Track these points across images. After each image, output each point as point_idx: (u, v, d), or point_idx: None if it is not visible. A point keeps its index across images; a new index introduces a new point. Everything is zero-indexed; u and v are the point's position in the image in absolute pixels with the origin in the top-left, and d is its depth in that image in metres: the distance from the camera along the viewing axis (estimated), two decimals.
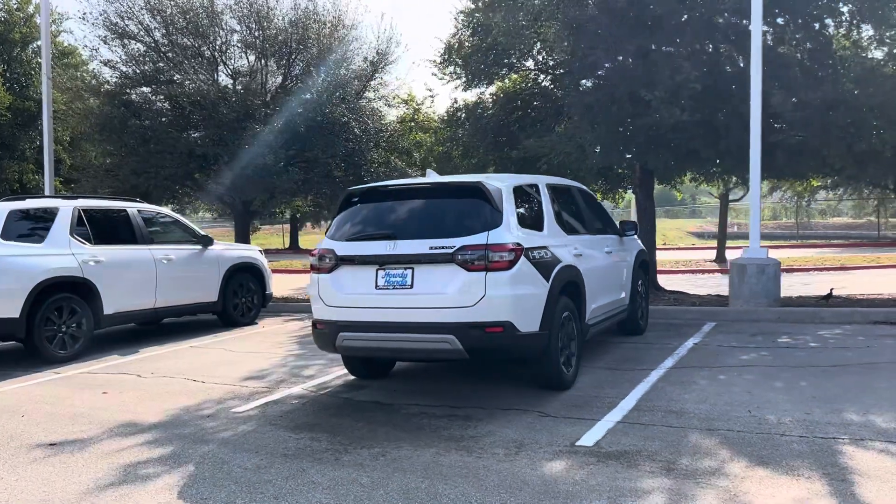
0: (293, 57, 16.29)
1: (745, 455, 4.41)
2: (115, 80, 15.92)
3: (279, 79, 16.77)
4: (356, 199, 6.24)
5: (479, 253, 5.43)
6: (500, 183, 5.94)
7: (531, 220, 6.09)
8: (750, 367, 6.78)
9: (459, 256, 5.45)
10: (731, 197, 26.04)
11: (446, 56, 15.42)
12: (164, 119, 15.21)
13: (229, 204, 17.54)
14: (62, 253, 8.59)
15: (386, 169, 16.81)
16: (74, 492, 4.26)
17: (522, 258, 5.56)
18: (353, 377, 7.03)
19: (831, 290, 11.06)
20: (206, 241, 10.62)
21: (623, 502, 3.78)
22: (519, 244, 5.57)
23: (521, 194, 6.14)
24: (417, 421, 5.46)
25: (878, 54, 11.22)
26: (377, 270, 5.75)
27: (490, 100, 15.77)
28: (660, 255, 22.03)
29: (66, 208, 8.89)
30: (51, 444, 5.22)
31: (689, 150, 11.33)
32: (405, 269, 5.64)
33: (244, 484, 4.27)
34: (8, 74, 21.49)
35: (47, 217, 8.69)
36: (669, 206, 59.72)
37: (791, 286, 13.18)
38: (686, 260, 23.70)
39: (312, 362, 7.94)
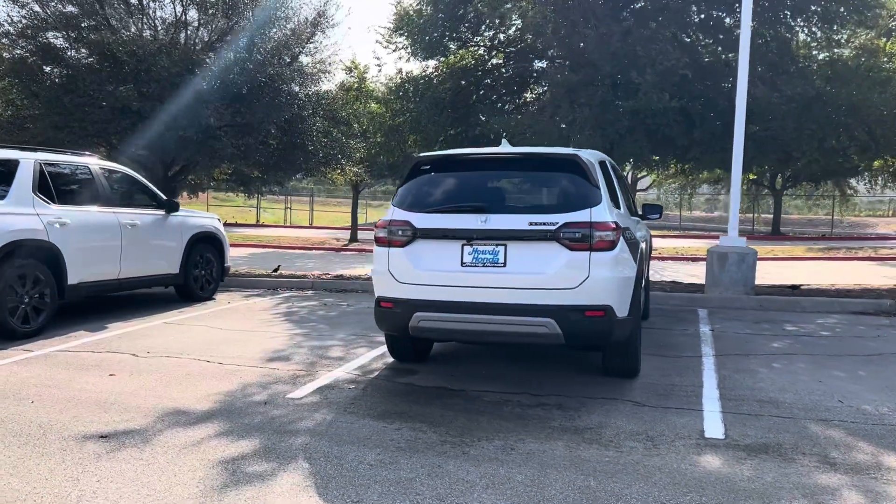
0: (230, 10, 15.08)
1: (890, 448, 4.35)
2: (23, 19, 14.15)
3: (213, 35, 15.51)
4: (428, 168, 5.71)
5: (583, 231, 5.08)
6: (591, 155, 5.61)
7: (612, 198, 5.81)
8: (790, 356, 6.84)
9: (562, 234, 5.09)
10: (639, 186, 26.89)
11: (400, 23, 14.81)
12: (87, 69, 13.66)
13: (149, 168, 16.10)
14: (26, 212, 7.46)
15: (328, 139, 16.01)
16: (186, 495, 3.59)
17: (621, 238, 5.28)
18: (391, 360, 6.52)
19: (800, 284, 11.46)
20: (171, 207, 9.61)
21: (825, 501, 3.60)
22: (617, 223, 5.27)
23: (603, 169, 5.83)
24: (509, 410, 5.07)
25: (846, 52, 11.71)
26: (463, 246, 5.28)
27: (438, 74, 15.32)
28: None
29: (28, 161, 7.72)
30: (101, 437, 4.44)
31: (664, 137, 11.42)
32: (497, 245, 5.21)
33: (387, 483, 3.75)
34: None
35: (7, 170, 7.50)
36: None
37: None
38: None
39: (326, 343, 7.32)
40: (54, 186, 7.90)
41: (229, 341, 7.38)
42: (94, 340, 7.35)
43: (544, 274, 5.10)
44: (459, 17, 13.30)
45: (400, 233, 5.44)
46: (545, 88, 15.69)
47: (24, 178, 7.56)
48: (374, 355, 6.76)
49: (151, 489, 3.66)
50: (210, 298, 10.41)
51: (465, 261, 5.27)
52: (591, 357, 6.53)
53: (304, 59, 16.55)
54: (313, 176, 19.72)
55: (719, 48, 12.03)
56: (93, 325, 8.16)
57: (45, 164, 7.91)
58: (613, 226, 5.18)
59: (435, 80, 14.88)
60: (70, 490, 3.64)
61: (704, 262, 10.85)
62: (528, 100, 16.13)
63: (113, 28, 13.69)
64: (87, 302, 9.61)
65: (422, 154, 5.84)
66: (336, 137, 16.21)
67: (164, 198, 9.67)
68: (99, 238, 8.34)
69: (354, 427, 4.67)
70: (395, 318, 5.48)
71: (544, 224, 5.11)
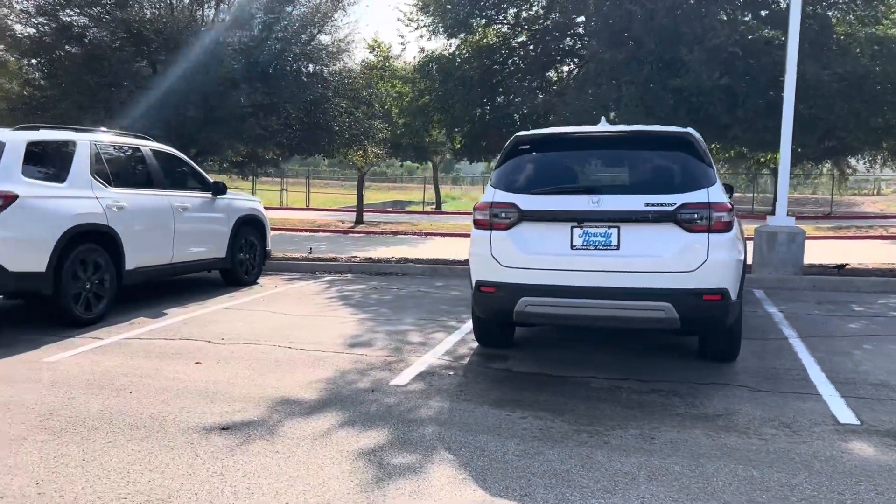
0: None
1: None
2: None
3: (234, 12, 15.13)
4: (528, 147, 5.54)
5: (702, 212, 4.94)
6: (696, 132, 5.45)
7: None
8: (875, 337, 6.75)
9: (680, 215, 4.94)
10: None
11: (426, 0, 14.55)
12: (110, 48, 13.29)
13: None
14: (86, 196, 7.22)
15: (350, 119, 15.73)
16: (345, 490, 3.45)
17: (735, 220, 5.14)
18: (475, 345, 6.38)
19: (844, 264, 11.36)
20: (218, 189, 9.37)
21: None
22: (733, 204, 5.13)
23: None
24: (626, 396, 4.95)
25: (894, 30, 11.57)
26: (573, 228, 5.12)
27: (463, 53, 15.07)
28: None
29: (84, 142, 7.47)
30: (223, 429, 4.28)
31: (706, 115, 11.26)
32: (609, 227, 5.06)
33: (545, 475, 3.62)
34: None
35: (66, 152, 7.25)
36: None
37: None
38: None
39: (399, 328, 7.17)
40: (109, 169, 7.66)
41: (299, 326, 7.21)
42: (160, 327, 7.16)
43: (661, 257, 4.95)
44: None
45: (503, 215, 5.28)
46: (574, 66, 15.53)
47: (82, 160, 7.32)
48: (454, 340, 6.61)
49: (305, 484, 3.51)
50: (254, 283, 10.21)
51: (574, 244, 5.12)
52: (675, 340, 6.43)
53: (324, 38, 16.22)
54: (333, 157, 19.41)
55: (762, 25, 11.85)
56: (150, 311, 7.96)
57: (99, 145, 7.67)
58: (730, 206, 5.04)
59: (459, 60, 14.66)
60: (221, 486, 3.48)
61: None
62: (554, 79, 15.94)
63: (135, 5, 13.30)
64: (134, 288, 9.39)
65: (521, 133, 5.65)
66: (358, 118, 15.94)
67: (211, 180, 9.43)
68: (153, 222, 8.12)
69: (476, 415, 4.54)
70: (498, 302, 5.32)
71: (661, 205, 4.96)
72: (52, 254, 6.68)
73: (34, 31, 13.78)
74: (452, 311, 8.06)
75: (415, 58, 15.79)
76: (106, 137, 7.96)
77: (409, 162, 34.23)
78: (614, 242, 5.04)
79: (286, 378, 5.36)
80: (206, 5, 14.62)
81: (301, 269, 11.91)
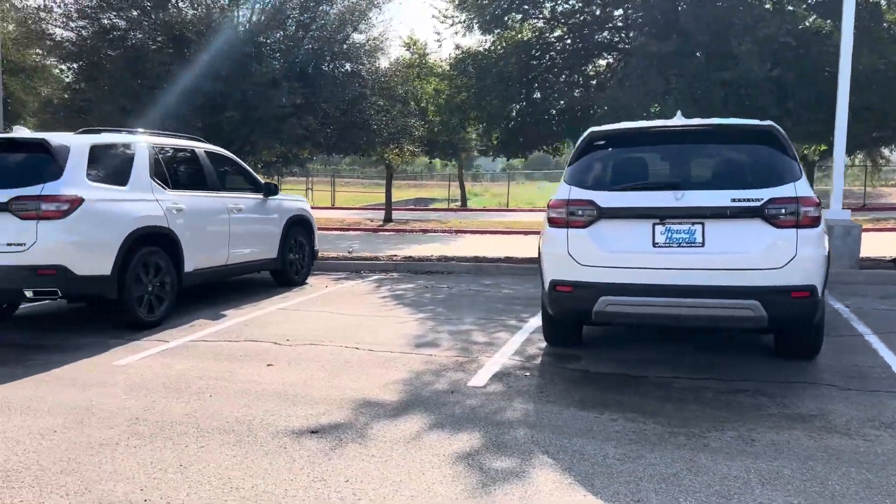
0: None
1: None
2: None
3: (271, 12, 15.13)
4: (603, 143, 5.44)
5: (790, 207, 4.82)
6: (779, 127, 5.32)
7: None
8: None
9: (768, 211, 4.82)
10: None
11: None
12: (152, 50, 13.35)
13: None
14: (146, 198, 7.23)
15: (386, 117, 15.68)
16: (453, 496, 3.38)
17: (821, 214, 5.01)
18: (543, 345, 6.30)
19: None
20: (270, 190, 9.35)
21: None
22: (818, 198, 5.00)
23: None
24: (712, 397, 4.84)
25: None
26: (654, 225, 5.02)
27: (500, 49, 14.95)
28: None
29: (143, 145, 7.48)
30: (312, 432, 4.24)
31: (754, 108, 11.07)
32: (693, 224, 4.95)
33: (654, 480, 3.53)
34: None
35: (127, 155, 7.27)
36: (549, 170, 60.65)
37: None
38: None
39: (461, 327, 7.11)
40: (167, 171, 7.67)
41: (360, 327, 7.17)
42: (221, 329, 7.15)
43: (748, 253, 4.84)
44: None
45: (581, 212, 5.18)
46: (612, 61, 15.34)
47: (142, 162, 7.33)
48: (520, 340, 6.54)
49: (411, 489, 3.45)
50: (304, 283, 10.20)
51: (656, 241, 5.01)
52: (748, 337, 6.31)
53: (359, 37, 16.17)
54: (369, 156, 19.39)
55: (810, 13, 11.63)
56: (207, 312, 7.96)
57: (157, 147, 7.67)
58: (817, 201, 4.91)
59: (495, 56, 14.55)
60: (326, 492, 3.43)
61: None
62: (591, 73, 15.77)
63: (172, 8, 13.35)
64: (188, 290, 9.41)
65: (595, 128, 5.55)
66: (395, 116, 15.89)
67: (262, 181, 9.42)
68: (210, 223, 8.12)
69: (565, 417, 4.46)
70: (575, 302, 5.23)
71: (748, 200, 4.84)
72: (116, 257, 6.69)
73: (74, 34, 13.89)
74: (509, 310, 7.98)
75: (450, 55, 15.70)
76: (162, 139, 7.98)
77: (437, 160, 34.05)
78: (699, 239, 4.93)
79: (361, 379, 5.32)
80: (244, 5, 14.64)
81: (346, 269, 11.89)
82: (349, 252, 13.40)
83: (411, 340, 6.56)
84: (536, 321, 7.24)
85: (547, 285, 5.41)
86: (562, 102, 14.25)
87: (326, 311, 8.07)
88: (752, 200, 4.83)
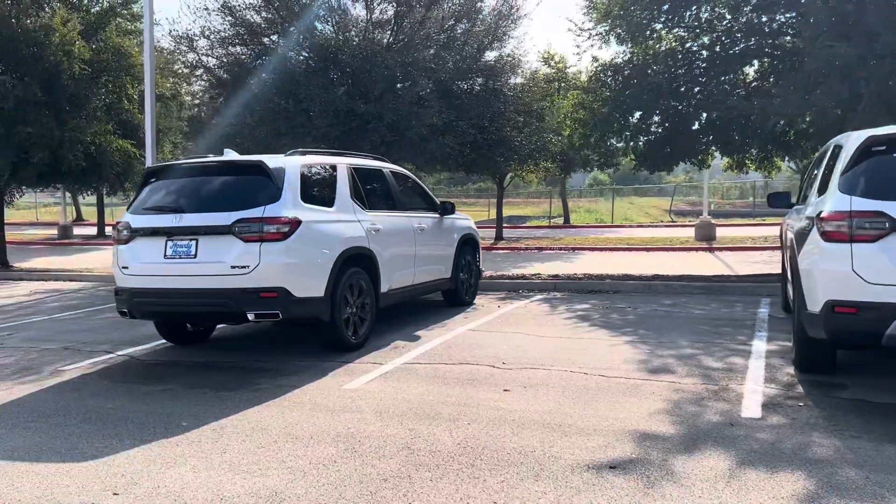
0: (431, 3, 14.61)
1: None
2: (232, 27, 14.23)
3: (413, 31, 15.17)
4: (884, 148, 4.94)
5: None
6: None
7: None
8: None
9: None
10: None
11: (603, 8, 14.13)
12: (304, 73, 13.57)
13: None
14: (350, 219, 7.17)
15: (524, 133, 15.43)
16: None
17: None
18: (789, 370, 5.82)
19: None
20: (446, 210, 9.21)
21: None
22: None
23: None
24: None
25: None
26: None
27: (641, 59, 14.47)
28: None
29: (342, 165, 7.45)
30: (610, 467, 3.92)
31: None
32: None
33: None
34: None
35: (331, 176, 7.24)
36: (639, 184, 59.06)
37: None
38: (744, 237, 22.08)
39: (682, 351, 6.70)
40: (363, 191, 7.61)
41: (571, 350, 6.85)
42: (426, 351, 6.97)
43: None
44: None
45: (870, 225, 4.70)
46: (764, 66, 14.60)
47: (343, 183, 7.29)
48: (760, 366, 6.06)
49: None
50: (472, 303, 9.99)
51: None
52: None
53: (492, 54, 16.06)
54: (505, 174, 19.22)
55: None
56: (398, 334, 7.82)
57: (352, 167, 7.63)
58: None
59: (639, 67, 14.10)
60: None
61: None
62: (739, 81, 15.08)
63: (331, 32, 13.56)
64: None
65: (874, 132, 5.08)
66: (534, 131, 15.64)
67: (437, 200, 9.29)
68: (401, 244, 8.02)
69: (888, 455, 3.98)
70: (861, 325, 4.74)
71: None
72: (329, 278, 6.62)
73: (212, 60, 14.31)
74: (719, 332, 7.51)
75: (587, 69, 15.35)
76: (356, 160, 7.95)
77: (534, 176, 33.52)
78: None
79: (617, 408, 4.98)
80: (389, 27, 14.76)
81: (503, 288, 11.65)
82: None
83: (637, 366, 6.18)
84: (762, 345, 6.76)
85: (819, 306, 4.94)
86: (714, 113, 13.68)
87: (520, 332, 7.79)
88: None
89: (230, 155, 7.20)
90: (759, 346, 6.77)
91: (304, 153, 7.28)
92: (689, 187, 49.42)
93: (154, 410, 5.26)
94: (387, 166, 8.48)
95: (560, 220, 38.05)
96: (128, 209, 6.96)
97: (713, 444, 4.24)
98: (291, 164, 6.66)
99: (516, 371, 6.08)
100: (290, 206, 6.39)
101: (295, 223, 6.33)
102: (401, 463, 4.07)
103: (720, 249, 18.85)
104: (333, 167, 7.28)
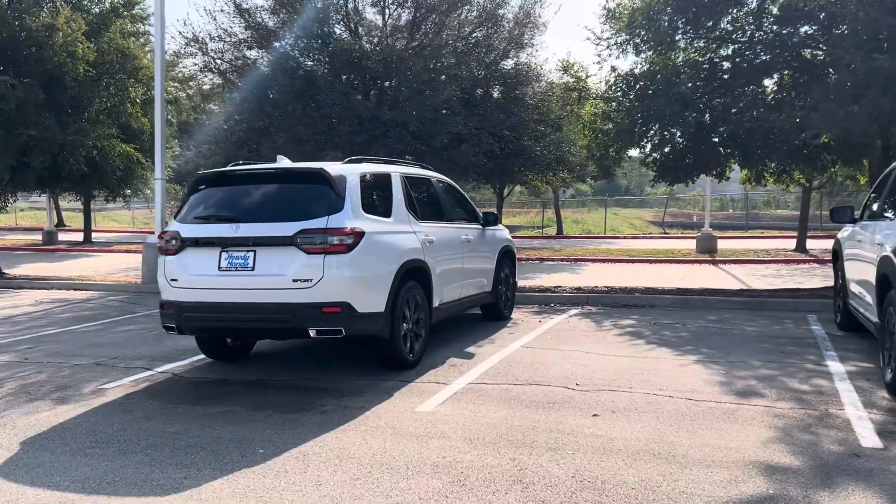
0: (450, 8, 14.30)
1: None
2: (250, 31, 13.87)
3: (430, 38, 14.89)
4: None
5: None
6: None
7: None
8: None
9: None
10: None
11: (627, 17, 13.93)
12: (323, 79, 13.22)
13: None
14: (406, 230, 6.84)
15: (543, 142, 15.18)
16: None
17: None
18: (881, 392, 5.56)
19: None
20: (489, 221, 8.90)
21: None
22: None
23: None
24: None
25: None
26: None
27: (661, 70, 14.28)
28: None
29: (397, 174, 7.12)
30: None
31: None
32: None
33: None
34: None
35: (387, 185, 6.91)
36: (620, 196, 59.30)
37: None
38: (744, 249, 21.94)
39: (758, 372, 6.42)
40: (416, 201, 7.28)
41: (641, 370, 6.55)
42: (487, 370, 6.65)
43: None
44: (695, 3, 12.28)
45: None
46: (784, 79, 14.46)
47: (399, 193, 6.96)
48: (849, 388, 5.79)
49: None
50: (509, 317, 9.68)
51: None
52: None
53: (510, 63, 15.82)
54: (524, 184, 18.97)
55: None
56: (451, 350, 7.50)
57: (406, 176, 7.30)
58: None
59: (666, 76, 13.90)
60: None
61: None
62: (760, 93, 14.93)
63: (351, 38, 13.24)
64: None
65: None
66: (552, 141, 15.41)
67: (479, 211, 8.98)
68: (451, 256, 7.69)
69: None
70: None
71: None
72: (389, 292, 6.28)
73: (226, 65, 13.93)
74: (786, 351, 7.25)
75: (606, 79, 15.14)
76: (407, 168, 7.63)
77: (518, 186, 33.19)
78: None
79: (725, 436, 4.68)
80: (403, 33, 14.47)
81: (534, 301, 11.35)
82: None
83: (722, 388, 5.89)
84: (839, 365, 6.54)
85: None
86: (734, 124, 13.53)
87: (577, 350, 7.49)
88: None
89: (283, 162, 6.85)
90: (836, 366, 6.51)
91: (359, 160, 6.94)
92: (671, 199, 49.55)
93: (221, 435, 4.90)
94: (434, 175, 8.17)
95: (549, 231, 37.93)
96: (175, 217, 6.58)
97: (848, 477, 3.96)
98: (352, 173, 6.33)
99: (595, 393, 5.77)
100: (352, 216, 6.04)
101: (359, 234, 5.98)
102: (519, 498, 3.75)
103: (724, 262, 18.70)
104: (388, 176, 6.95)
